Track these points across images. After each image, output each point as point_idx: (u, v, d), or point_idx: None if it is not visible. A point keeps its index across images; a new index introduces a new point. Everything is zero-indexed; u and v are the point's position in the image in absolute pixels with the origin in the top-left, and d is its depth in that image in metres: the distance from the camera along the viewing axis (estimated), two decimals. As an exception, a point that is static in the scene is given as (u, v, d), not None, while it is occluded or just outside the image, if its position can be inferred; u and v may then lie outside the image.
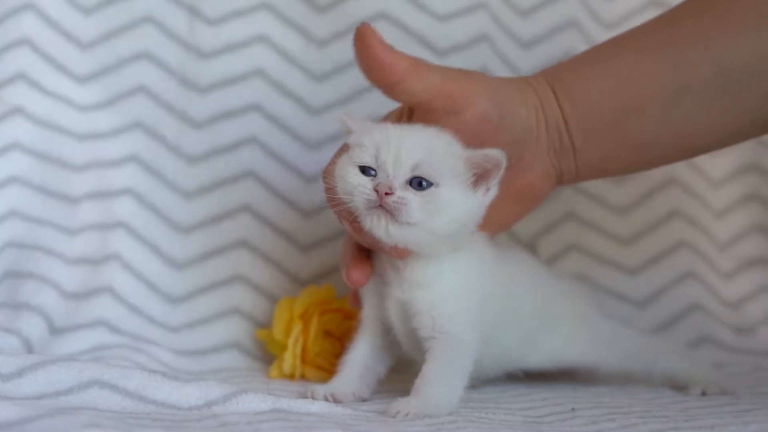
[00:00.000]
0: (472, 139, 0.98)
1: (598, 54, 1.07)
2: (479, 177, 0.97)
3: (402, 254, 0.97)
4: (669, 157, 1.10)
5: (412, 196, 0.95)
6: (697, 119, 1.04)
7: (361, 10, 1.26)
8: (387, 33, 1.24)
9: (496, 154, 0.96)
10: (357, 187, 0.96)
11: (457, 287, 1.00)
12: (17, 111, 1.17)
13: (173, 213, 1.22)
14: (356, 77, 1.24)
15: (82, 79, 1.21)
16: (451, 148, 0.98)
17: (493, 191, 0.98)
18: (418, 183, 0.96)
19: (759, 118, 1.04)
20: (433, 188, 0.96)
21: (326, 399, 0.99)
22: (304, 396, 0.99)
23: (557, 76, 1.05)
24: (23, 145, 1.16)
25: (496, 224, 1.05)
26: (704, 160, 1.36)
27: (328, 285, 1.19)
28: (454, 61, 1.25)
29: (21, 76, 1.18)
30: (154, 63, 1.23)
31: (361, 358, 1.04)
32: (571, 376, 1.14)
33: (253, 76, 1.25)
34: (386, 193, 0.95)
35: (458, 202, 0.97)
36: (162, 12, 1.23)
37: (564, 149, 1.05)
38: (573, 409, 0.99)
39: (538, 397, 1.05)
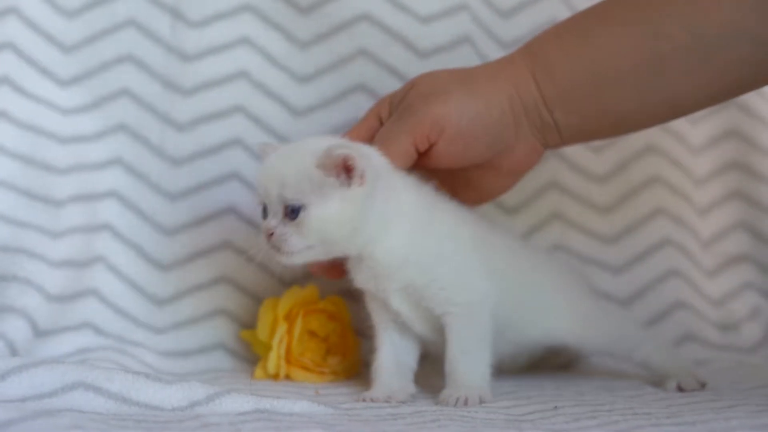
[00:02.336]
0: (458, 151, 1.04)
1: (577, 25, 1.08)
2: (347, 171, 0.99)
3: (335, 274, 1.06)
4: (650, 120, 1.12)
5: (289, 230, 0.99)
6: (674, 86, 1.05)
7: (343, 11, 1.26)
8: (369, 34, 1.25)
9: (337, 152, 0.98)
10: (260, 233, 1.01)
11: (428, 247, 1.03)
12: (0, 115, 1.17)
13: (158, 215, 1.22)
14: (339, 79, 1.26)
15: (66, 83, 1.21)
16: (305, 163, 0.99)
17: (367, 179, 0.99)
18: (291, 211, 0.99)
19: (733, 81, 1.05)
20: (302, 212, 0.98)
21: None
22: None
23: (537, 51, 1.07)
24: (7, 149, 1.16)
25: (485, 195, 1.10)
26: (688, 158, 1.37)
27: (312, 286, 1.19)
28: (437, 63, 1.25)
29: (4, 80, 1.18)
30: (138, 66, 1.23)
31: (390, 357, 1.07)
32: (556, 374, 1.14)
33: (236, 78, 1.25)
34: (270, 234, 0.99)
35: (333, 212, 0.99)
36: (145, 15, 1.23)
37: (546, 125, 1.07)
38: (555, 407, 0.99)
39: (522, 395, 1.05)
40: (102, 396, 0.91)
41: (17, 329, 1.09)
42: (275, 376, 1.14)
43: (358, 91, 1.26)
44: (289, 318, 1.16)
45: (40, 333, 1.12)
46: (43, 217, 1.17)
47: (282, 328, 1.15)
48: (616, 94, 1.06)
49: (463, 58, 1.26)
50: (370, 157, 1.00)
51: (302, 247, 0.99)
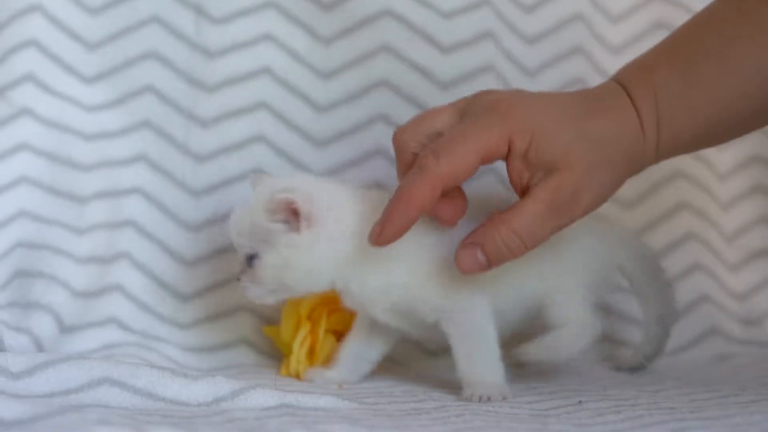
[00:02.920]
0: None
1: (689, 65, 1.02)
2: (294, 216, 0.99)
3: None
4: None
5: (249, 279, 1.02)
6: None
7: (366, 7, 1.26)
8: (392, 30, 1.25)
9: (279, 196, 0.98)
10: None
11: (401, 272, 1.02)
12: (25, 112, 1.17)
13: (182, 211, 1.22)
14: (362, 74, 1.26)
15: (90, 80, 1.22)
16: (256, 210, 1.00)
17: (315, 219, 0.99)
18: (248, 259, 1.02)
19: None
20: (256, 261, 1.00)
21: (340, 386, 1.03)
22: (311, 389, 1.01)
23: (659, 108, 1.00)
24: (32, 146, 1.17)
25: None
26: (710, 153, 1.36)
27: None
28: (459, 58, 1.26)
29: (29, 78, 1.18)
30: (161, 62, 1.23)
31: (352, 349, 1.10)
32: (579, 369, 1.14)
33: (260, 75, 1.25)
34: (238, 279, 1.03)
35: (282, 259, 1.00)
36: (168, 12, 1.24)
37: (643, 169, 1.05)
38: (580, 401, 0.99)
39: (545, 391, 1.06)
40: (128, 392, 0.92)
41: (43, 325, 1.10)
42: (297, 377, 1.14)
43: (382, 86, 1.26)
44: (313, 318, 1.16)
45: (65, 329, 1.13)
46: (69, 213, 1.18)
47: (305, 328, 1.15)
48: (719, 139, 1.06)
49: (486, 54, 1.27)
50: (318, 198, 1.00)
51: (262, 293, 1.02)
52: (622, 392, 1.05)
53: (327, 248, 1.00)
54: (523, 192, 0.98)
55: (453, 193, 1.00)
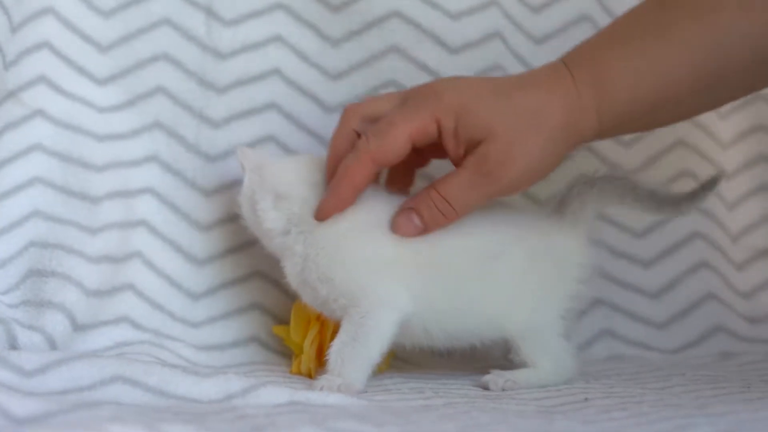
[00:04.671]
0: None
1: (629, 40, 1.08)
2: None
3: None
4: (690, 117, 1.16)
5: None
6: (726, 98, 1.09)
7: (374, 9, 1.27)
8: (400, 31, 1.26)
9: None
10: None
11: (325, 266, 1.07)
12: (38, 113, 1.18)
13: (193, 211, 1.23)
14: (370, 75, 1.27)
15: (102, 81, 1.22)
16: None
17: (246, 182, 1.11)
18: None
19: None
20: None
21: (340, 391, 1.01)
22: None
23: (598, 74, 1.06)
24: (45, 147, 1.18)
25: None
26: (717, 152, 1.37)
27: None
28: (467, 58, 1.27)
29: (41, 79, 1.19)
30: (173, 64, 1.24)
31: None
32: (585, 367, 1.15)
33: (269, 76, 1.26)
34: None
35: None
36: (179, 14, 1.25)
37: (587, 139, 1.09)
38: (586, 399, 1.00)
39: (551, 388, 1.06)
40: (140, 389, 0.93)
41: (56, 324, 1.11)
42: (309, 376, 1.15)
43: (390, 87, 1.27)
44: (321, 318, 1.17)
45: (78, 327, 1.14)
46: (81, 213, 1.18)
47: (315, 328, 1.16)
48: (669, 112, 1.08)
49: (495, 54, 1.28)
50: (249, 163, 1.11)
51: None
52: (627, 389, 1.05)
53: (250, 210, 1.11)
54: (459, 164, 1.06)
55: (402, 176, 1.14)
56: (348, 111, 1.10)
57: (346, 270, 1.05)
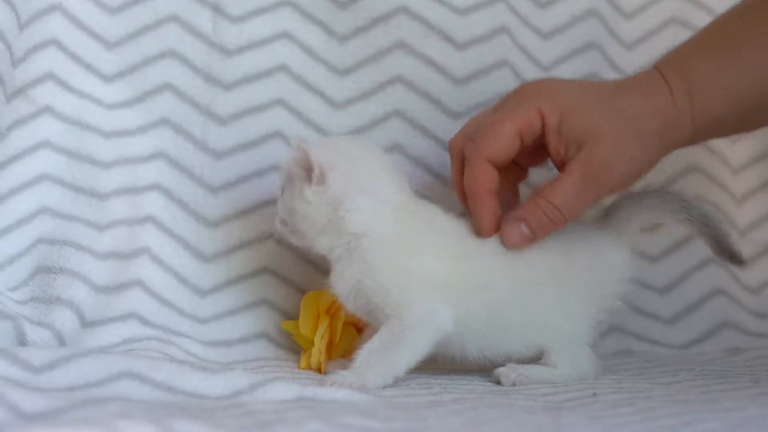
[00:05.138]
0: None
1: (720, 46, 1.10)
2: (309, 170, 1.05)
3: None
4: None
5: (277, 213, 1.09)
6: None
7: (381, 4, 1.27)
8: (407, 27, 1.26)
9: (299, 148, 1.05)
10: None
11: (382, 277, 1.05)
12: (46, 110, 1.19)
13: (200, 207, 1.23)
14: (377, 71, 1.27)
15: (109, 78, 1.23)
16: (290, 154, 1.07)
17: (326, 180, 1.04)
18: (281, 192, 1.09)
19: None
20: (281, 195, 1.08)
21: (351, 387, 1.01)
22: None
23: (692, 83, 1.08)
24: (52, 144, 1.18)
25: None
26: (725, 147, 1.37)
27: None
28: (474, 54, 1.27)
29: (49, 76, 1.19)
30: (179, 61, 1.24)
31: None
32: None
33: (276, 72, 1.26)
34: None
35: (292, 204, 1.07)
36: (186, 11, 1.25)
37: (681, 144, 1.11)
38: (594, 394, 1.00)
39: (560, 383, 1.06)
40: (148, 385, 0.93)
41: (65, 320, 1.11)
42: (318, 370, 1.15)
43: (397, 83, 1.27)
44: (331, 312, 1.17)
45: (87, 324, 1.14)
46: (89, 210, 1.19)
47: (324, 323, 1.16)
48: (759, 116, 1.11)
49: (501, 49, 1.28)
50: (338, 161, 1.05)
51: (281, 229, 1.09)
52: (635, 385, 1.05)
53: (326, 212, 1.05)
54: (561, 166, 1.06)
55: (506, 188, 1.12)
56: (451, 143, 1.12)
57: (396, 284, 1.05)
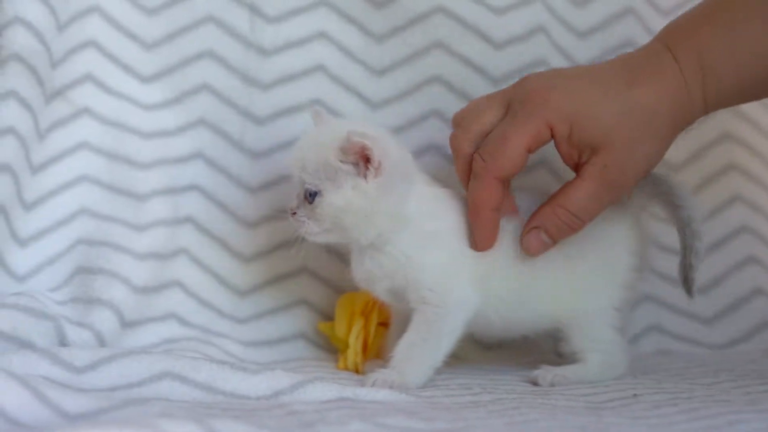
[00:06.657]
0: None
1: (730, 18, 1.08)
2: (365, 160, 1.02)
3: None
4: None
5: (306, 214, 1.04)
6: None
7: (418, 4, 1.27)
8: (444, 26, 1.26)
9: (355, 139, 1.01)
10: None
11: (422, 253, 1.05)
12: (85, 111, 1.19)
13: (239, 208, 1.23)
14: (414, 71, 1.27)
15: (147, 79, 1.23)
16: (325, 149, 1.03)
17: (383, 170, 1.02)
18: (309, 195, 1.04)
19: None
20: (318, 198, 1.03)
21: (392, 388, 1.01)
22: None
23: (702, 57, 1.06)
24: (91, 145, 1.19)
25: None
26: (765, 145, 1.36)
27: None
28: (512, 53, 1.26)
29: (88, 78, 1.20)
30: (217, 61, 1.25)
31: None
32: (631, 363, 1.14)
33: (313, 72, 1.26)
34: (293, 213, 1.05)
35: (346, 201, 1.03)
36: (223, 11, 1.25)
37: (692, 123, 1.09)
38: (635, 395, 1.00)
39: (600, 383, 1.06)
40: (189, 385, 0.93)
41: (105, 320, 1.12)
42: (355, 371, 1.15)
43: (434, 83, 1.26)
44: (365, 312, 1.17)
45: (126, 324, 1.14)
46: (128, 210, 1.19)
47: (359, 323, 1.17)
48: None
49: (539, 48, 1.27)
50: (389, 149, 1.03)
51: (318, 231, 1.05)
52: (676, 385, 1.05)
53: (387, 200, 1.04)
54: (576, 168, 1.06)
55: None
56: (454, 141, 1.10)
57: (438, 267, 1.05)
